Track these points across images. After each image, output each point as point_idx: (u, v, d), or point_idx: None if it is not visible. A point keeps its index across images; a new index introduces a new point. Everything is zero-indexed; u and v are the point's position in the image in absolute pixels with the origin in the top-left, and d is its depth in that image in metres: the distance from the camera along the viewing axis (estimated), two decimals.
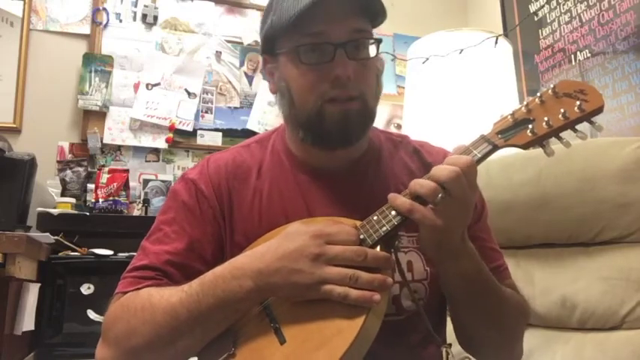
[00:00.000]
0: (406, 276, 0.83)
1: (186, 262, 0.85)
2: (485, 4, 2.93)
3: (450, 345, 0.81)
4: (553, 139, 0.76)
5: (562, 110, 0.73)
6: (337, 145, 0.87)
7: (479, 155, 0.75)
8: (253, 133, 2.64)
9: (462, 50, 1.88)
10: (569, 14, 2.28)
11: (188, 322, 0.74)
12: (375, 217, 0.75)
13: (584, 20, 2.20)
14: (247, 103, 2.73)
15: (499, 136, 0.77)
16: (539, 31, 2.45)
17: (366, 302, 0.68)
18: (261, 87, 2.74)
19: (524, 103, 0.78)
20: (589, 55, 2.16)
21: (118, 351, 0.79)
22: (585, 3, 2.19)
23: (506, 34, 2.39)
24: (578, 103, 0.73)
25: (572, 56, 2.25)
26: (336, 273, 0.69)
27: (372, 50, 0.85)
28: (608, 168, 1.20)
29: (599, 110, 0.73)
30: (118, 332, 0.80)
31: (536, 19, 2.47)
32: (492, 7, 2.79)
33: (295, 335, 0.71)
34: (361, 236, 0.74)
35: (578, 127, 0.75)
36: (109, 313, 0.83)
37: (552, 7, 2.38)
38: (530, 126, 0.75)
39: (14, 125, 2.36)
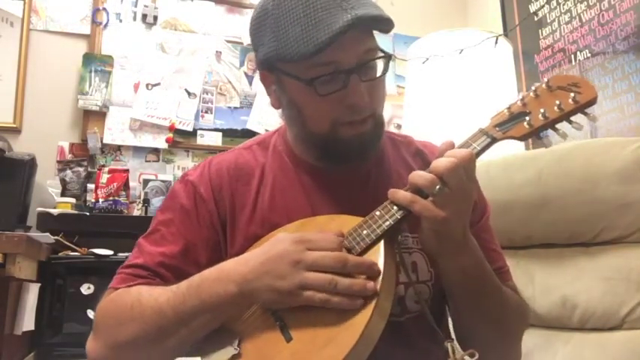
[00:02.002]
0: (411, 277, 0.82)
1: (179, 266, 0.85)
2: (485, 4, 2.93)
3: (453, 340, 0.81)
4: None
5: (557, 102, 0.76)
6: (352, 163, 0.87)
7: (478, 148, 0.76)
8: (253, 133, 2.64)
9: (462, 50, 1.88)
10: (569, 14, 2.28)
11: (173, 322, 0.76)
12: (378, 213, 0.76)
13: (584, 20, 2.20)
14: (247, 103, 2.73)
15: (497, 128, 0.78)
16: (539, 31, 2.45)
17: (345, 308, 0.69)
18: (261, 87, 2.73)
19: (519, 97, 0.80)
20: (589, 55, 2.16)
21: (106, 345, 0.81)
22: (585, 3, 2.19)
23: (506, 34, 2.39)
24: (572, 95, 0.75)
25: (572, 56, 2.25)
26: (315, 278, 0.70)
27: (381, 65, 0.84)
28: (609, 168, 1.20)
29: (593, 102, 0.75)
30: (107, 327, 0.82)
31: (536, 19, 2.47)
32: (492, 7, 2.79)
33: (301, 333, 0.71)
34: (364, 231, 0.75)
35: (573, 118, 0.77)
36: (100, 306, 0.85)
37: (552, 7, 2.38)
38: (527, 118, 0.77)
39: (14, 125, 2.36)
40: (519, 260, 1.36)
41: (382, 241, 0.74)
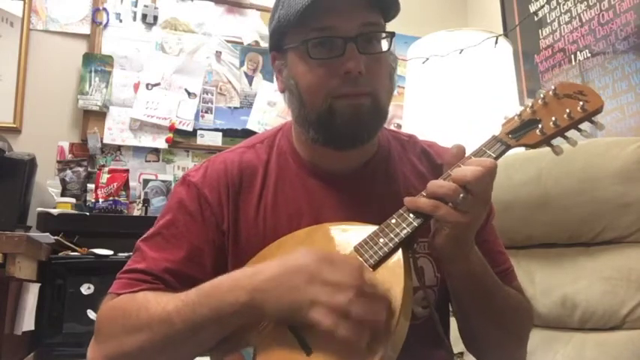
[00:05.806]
0: (423, 280, 0.82)
1: (185, 271, 0.83)
2: (485, 4, 2.93)
3: (462, 354, 0.80)
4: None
5: (567, 110, 0.77)
6: (349, 144, 0.84)
7: (494, 155, 0.77)
8: (253, 133, 2.63)
9: (462, 50, 1.88)
10: (569, 14, 2.28)
11: (182, 332, 0.72)
12: (394, 221, 0.74)
13: (584, 20, 2.20)
14: (247, 103, 2.73)
15: (510, 136, 0.79)
16: (539, 31, 2.45)
17: (349, 342, 0.63)
18: (261, 87, 2.74)
19: (529, 104, 0.81)
20: (589, 55, 2.16)
21: (110, 353, 0.77)
22: (585, 3, 2.19)
23: (506, 34, 2.39)
24: (580, 103, 0.77)
25: (572, 56, 2.25)
26: (329, 294, 0.64)
27: (385, 45, 0.83)
28: (609, 168, 1.20)
29: (600, 110, 0.77)
30: (111, 335, 0.78)
31: (536, 19, 2.47)
32: (492, 7, 2.79)
33: (322, 344, 0.67)
34: (380, 240, 0.73)
35: (581, 126, 0.78)
36: (102, 312, 0.81)
37: (552, 7, 2.38)
38: (539, 126, 0.78)
39: (14, 125, 2.36)
40: (520, 260, 1.36)
41: (400, 250, 0.73)
